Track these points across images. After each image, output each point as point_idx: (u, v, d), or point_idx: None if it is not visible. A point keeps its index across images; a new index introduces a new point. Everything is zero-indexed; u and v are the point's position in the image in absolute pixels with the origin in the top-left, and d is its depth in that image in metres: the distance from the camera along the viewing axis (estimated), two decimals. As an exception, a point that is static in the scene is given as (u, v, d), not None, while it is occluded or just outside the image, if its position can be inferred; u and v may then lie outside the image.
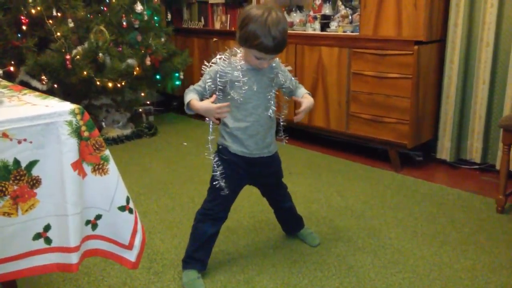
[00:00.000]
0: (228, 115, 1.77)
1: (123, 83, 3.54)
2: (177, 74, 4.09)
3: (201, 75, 1.81)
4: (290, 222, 2.18)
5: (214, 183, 1.86)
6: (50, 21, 3.27)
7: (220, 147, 1.87)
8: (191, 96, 1.74)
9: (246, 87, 1.75)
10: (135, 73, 3.61)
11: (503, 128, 2.39)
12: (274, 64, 1.84)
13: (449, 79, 3.02)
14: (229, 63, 1.77)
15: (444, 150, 3.12)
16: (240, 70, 1.75)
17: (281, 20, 1.65)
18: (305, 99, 1.86)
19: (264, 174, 1.94)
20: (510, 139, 2.37)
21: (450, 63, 3.00)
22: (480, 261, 2.00)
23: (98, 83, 3.36)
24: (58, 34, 3.22)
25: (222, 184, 1.83)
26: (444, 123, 3.10)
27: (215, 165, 1.86)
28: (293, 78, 1.91)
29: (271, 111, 1.83)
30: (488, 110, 2.91)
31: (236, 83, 1.75)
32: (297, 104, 1.91)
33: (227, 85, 1.76)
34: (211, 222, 1.87)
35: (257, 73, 1.78)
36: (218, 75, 1.75)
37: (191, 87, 1.79)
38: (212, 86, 1.77)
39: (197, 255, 1.88)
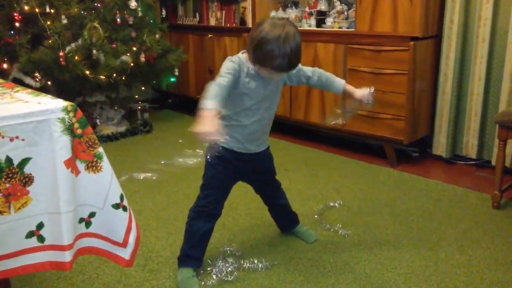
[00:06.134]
0: (231, 113, 1.76)
1: (117, 79, 3.52)
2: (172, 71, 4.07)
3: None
4: (284, 219, 2.18)
5: (206, 180, 1.86)
6: (44, 18, 3.25)
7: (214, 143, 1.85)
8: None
9: (255, 91, 1.74)
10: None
11: (499, 124, 2.39)
12: None
13: (445, 75, 3.02)
14: (241, 64, 1.72)
15: (440, 146, 3.12)
16: (249, 74, 1.72)
17: (297, 40, 1.61)
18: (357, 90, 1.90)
19: (256, 170, 1.94)
20: (505, 134, 2.37)
21: (446, 59, 3.00)
22: (476, 257, 2.00)
23: (92, 79, 3.34)
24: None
25: (215, 181, 1.82)
26: (440, 119, 3.09)
27: (208, 163, 1.85)
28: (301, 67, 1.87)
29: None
30: (484, 106, 2.91)
31: (246, 86, 1.72)
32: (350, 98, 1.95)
33: (238, 84, 1.72)
34: (205, 219, 1.86)
35: (264, 79, 1.75)
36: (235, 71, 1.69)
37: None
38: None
39: (192, 252, 1.87)
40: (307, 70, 1.90)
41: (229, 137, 1.79)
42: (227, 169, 1.84)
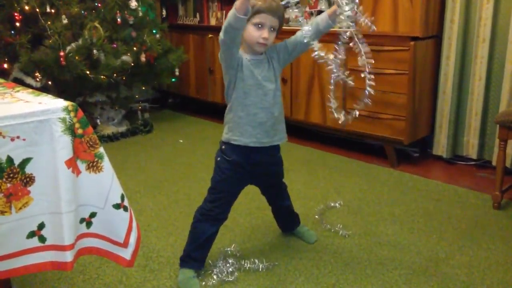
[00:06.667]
0: (238, 104, 1.77)
1: (118, 79, 3.52)
2: (172, 71, 4.07)
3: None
4: (287, 219, 2.18)
5: (215, 184, 1.85)
6: (44, 18, 3.25)
7: (223, 147, 1.83)
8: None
9: (250, 80, 1.76)
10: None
11: (499, 124, 2.39)
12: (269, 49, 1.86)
13: (445, 75, 3.02)
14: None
15: (441, 146, 3.12)
16: (244, 62, 1.77)
17: None
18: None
19: (266, 174, 1.93)
20: (506, 135, 2.37)
21: (446, 59, 3.00)
22: (476, 257, 2.00)
23: (92, 79, 3.34)
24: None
25: (224, 186, 1.82)
26: (441, 119, 3.09)
27: (218, 167, 1.85)
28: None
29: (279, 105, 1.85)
30: (484, 106, 2.91)
31: (245, 70, 1.76)
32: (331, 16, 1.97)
33: (240, 67, 1.77)
34: (211, 223, 1.86)
35: (259, 64, 1.79)
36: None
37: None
38: None
39: (195, 254, 1.87)
40: (292, 36, 1.91)
41: (239, 133, 1.78)
42: (237, 173, 1.83)
